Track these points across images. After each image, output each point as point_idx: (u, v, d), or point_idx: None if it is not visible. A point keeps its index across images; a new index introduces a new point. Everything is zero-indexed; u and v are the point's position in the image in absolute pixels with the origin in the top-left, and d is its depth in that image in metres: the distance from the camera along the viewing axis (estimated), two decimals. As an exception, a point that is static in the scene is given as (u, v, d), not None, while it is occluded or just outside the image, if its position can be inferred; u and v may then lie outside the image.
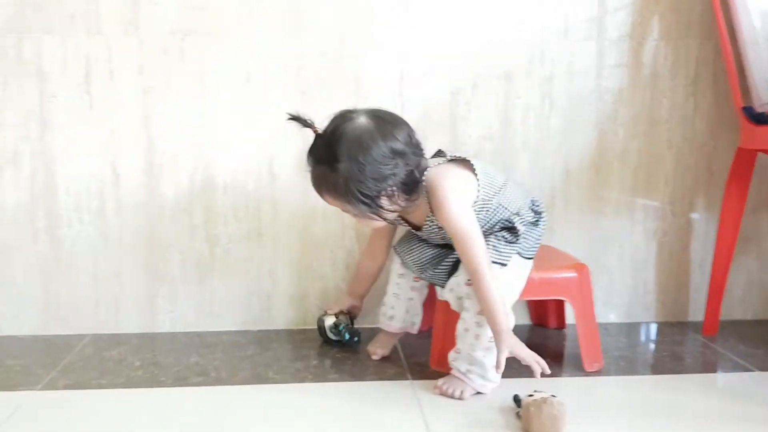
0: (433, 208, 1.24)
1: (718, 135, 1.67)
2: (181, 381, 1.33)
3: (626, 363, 1.43)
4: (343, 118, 1.20)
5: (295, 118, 1.20)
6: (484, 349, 1.23)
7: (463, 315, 1.26)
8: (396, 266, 1.45)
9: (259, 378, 1.34)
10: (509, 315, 1.24)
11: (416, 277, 1.42)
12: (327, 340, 1.51)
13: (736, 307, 1.72)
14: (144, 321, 1.63)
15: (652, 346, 1.56)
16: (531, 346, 1.21)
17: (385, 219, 1.24)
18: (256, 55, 1.56)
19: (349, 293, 1.54)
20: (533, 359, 1.19)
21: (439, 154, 1.35)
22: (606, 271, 1.70)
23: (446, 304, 1.30)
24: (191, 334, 1.61)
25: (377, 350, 1.44)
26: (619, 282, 1.71)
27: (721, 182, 1.62)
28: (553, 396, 1.09)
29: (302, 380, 1.33)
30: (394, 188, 1.19)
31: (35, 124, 1.55)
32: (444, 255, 1.35)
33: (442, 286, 1.32)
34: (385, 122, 1.20)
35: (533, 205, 1.35)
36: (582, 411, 1.17)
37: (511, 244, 1.29)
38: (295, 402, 1.23)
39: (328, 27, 1.57)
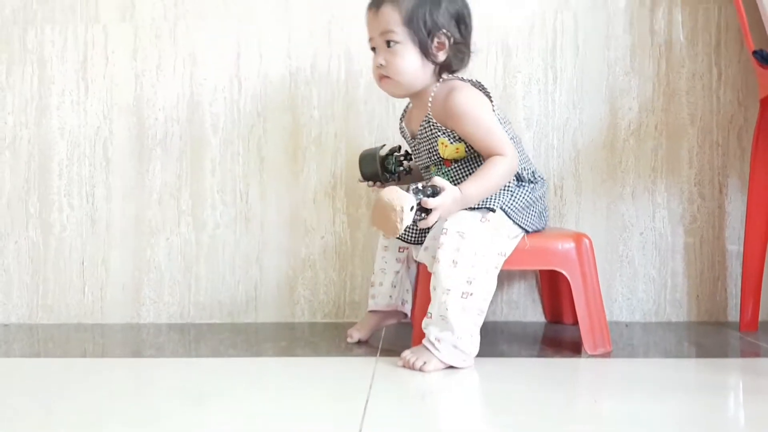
0: (450, 105, 1.16)
1: (748, 106, 1.49)
2: (135, 354, 1.24)
3: (643, 348, 1.23)
4: None
5: None
6: (458, 309, 1.07)
7: (434, 269, 1.10)
8: (381, 240, 1.33)
9: (214, 353, 1.23)
10: (490, 282, 1.11)
11: (401, 247, 1.30)
12: (379, 171, 1.28)
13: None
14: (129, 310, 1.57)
15: (676, 336, 1.35)
16: (545, 340, 1.11)
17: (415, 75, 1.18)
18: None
19: None
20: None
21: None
22: (627, 262, 1.51)
23: (425, 268, 1.16)
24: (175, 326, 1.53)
25: (353, 333, 1.30)
26: (643, 274, 1.51)
27: (756, 158, 1.42)
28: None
29: (260, 355, 1.21)
30: (450, 39, 1.18)
31: (34, 110, 1.58)
32: None
33: (422, 244, 1.19)
34: None
35: (533, 175, 1.22)
36: (565, 387, 1.00)
37: (495, 198, 1.15)
38: (238, 372, 1.10)
39: None
